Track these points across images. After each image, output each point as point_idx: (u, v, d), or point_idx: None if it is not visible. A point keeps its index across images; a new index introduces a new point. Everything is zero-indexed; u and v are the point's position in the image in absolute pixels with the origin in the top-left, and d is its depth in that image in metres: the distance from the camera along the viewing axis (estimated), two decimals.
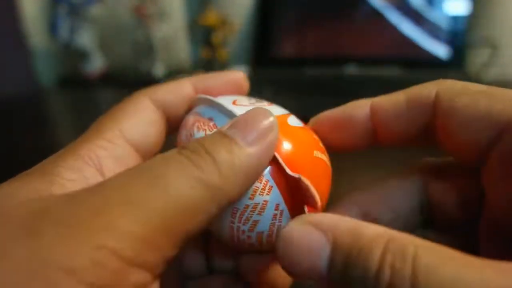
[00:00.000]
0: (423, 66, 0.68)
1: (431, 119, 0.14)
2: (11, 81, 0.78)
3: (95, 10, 0.83)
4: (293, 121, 0.16)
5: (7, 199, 0.11)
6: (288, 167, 0.14)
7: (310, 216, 0.12)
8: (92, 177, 0.13)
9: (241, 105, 0.16)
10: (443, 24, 0.68)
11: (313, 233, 0.11)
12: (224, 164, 0.11)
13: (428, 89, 0.14)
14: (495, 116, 0.13)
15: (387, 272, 0.09)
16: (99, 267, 0.09)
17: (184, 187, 0.11)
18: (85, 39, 0.83)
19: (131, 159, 0.15)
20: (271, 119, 0.13)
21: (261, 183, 0.14)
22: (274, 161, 0.14)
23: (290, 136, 0.15)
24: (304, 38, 0.76)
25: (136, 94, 0.17)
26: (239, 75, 0.18)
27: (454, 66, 0.67)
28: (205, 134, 0.15)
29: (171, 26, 0.85)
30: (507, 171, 0.12)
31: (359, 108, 0.16)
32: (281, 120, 0.15)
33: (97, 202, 0.10)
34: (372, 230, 0.10)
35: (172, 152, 0.12)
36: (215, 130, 0.15)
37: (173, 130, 0.17)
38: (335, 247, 0.11)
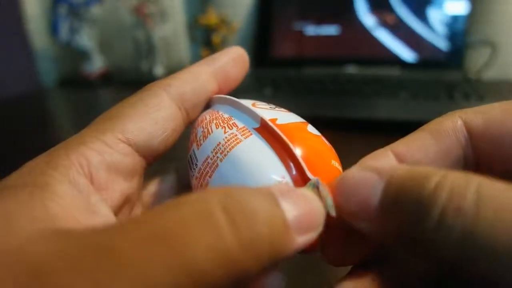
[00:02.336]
0: (423, 66, 0.68)
1: (467, 149, 0.14)
2: (14, 81, 0.78)
3: (95, 10, 0.83)
4: (312, 129, 0.16)
5: (6, 233, 0.10)
6: (309, 170, 0.14)
7: (367, 162, 0.13)
8: (84, 189, 0.12)
9: (262, 108, 0.16)
10: (443, 24, 0.68)
11: (369, 173, 0.12)
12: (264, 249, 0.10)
13: (450, 118, 0.14)
14: None
15: (444, 193, 0.10)
16: None
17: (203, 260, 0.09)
18: (85, 39, 0.83)
19: (127, 166, 0.14)
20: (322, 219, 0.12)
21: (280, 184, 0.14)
22: (294, 163, 0.14)
23: (311, 142, 0.15)
24: (304, 38, 0.76)
25: (152, 86, 0.16)
26: (240, 51, 0.18)
27: (454, 66, 0.67)
28: (225, 132, 0.15)
29: (171, 26, 0.85)
30: None
31: (378, 163, 0.14)
32: (301, 126, 0.16)
33: (105, 264, 0.08)
34: (429, 169, 0.11)
35: (209, 205, 0.10)
36: (236, 128, 0.15)
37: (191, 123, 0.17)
38: (390, 180, 0.11)
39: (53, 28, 0.81)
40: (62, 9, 0.80)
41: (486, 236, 0.09)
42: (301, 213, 0.11)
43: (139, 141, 0.15)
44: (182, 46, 0.89)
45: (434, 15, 0.68)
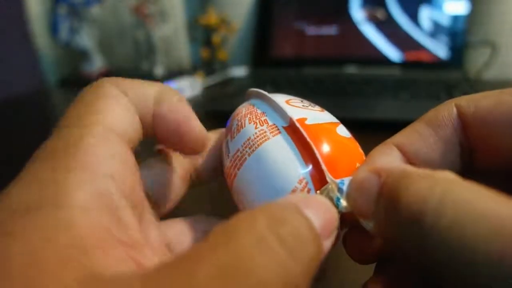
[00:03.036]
0: (423, 66, 0.68)
1: (462, 136, 0.14)
2: (18, 80, 0.78)
3: (95, 10, 0.83)
4: (342, 130, 0.16)
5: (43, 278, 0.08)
6: (330, 172, 0.14)
7: (370, 164, 0.14)
8: (105, 190, 0.11)
9: (295, 106, 0.16)
10: (443, 24, 0.68)
11: (370, 174, 0.12)
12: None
13: (446, 107, 0.14)
14: None
15: (413, 200, 0.10)
16: None
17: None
18: (85, 39, 0.83)
19: (125, 154, 0.13)
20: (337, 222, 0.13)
21: (300, 184, 0.14)
22: (316, 164, 0.14)
23: (336, 144, 0.15)
24: (304, 38, 0.76)
25: (98, 83, 0.15)
26: (196, 131, 0.16)
27: (454, 66, 0.67)
28: (256, 127, 0.16)
29: (171, 26, 0.85)
30: None
31: (386, 159, 0.15)
32: (331, 127, 0.16)
33: None
34: (413, 169, 0.11)
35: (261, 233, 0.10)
36: (266, 125, 0.16)
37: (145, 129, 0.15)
38: (384, 182, 0.12)
39: (53, 28, 0.81)
40: (62, 9, 0.80)
41: (445, 241, 0.09)
42: (323, 221, 0.11)
43: (120, 130, 0.13)
44: (182, 46, 0.89)
45: (434, 15, 0.68)
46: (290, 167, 0.15)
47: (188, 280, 0.08)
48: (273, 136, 0.15)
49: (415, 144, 0.14)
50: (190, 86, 0.66)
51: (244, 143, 0.16)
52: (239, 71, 0.81)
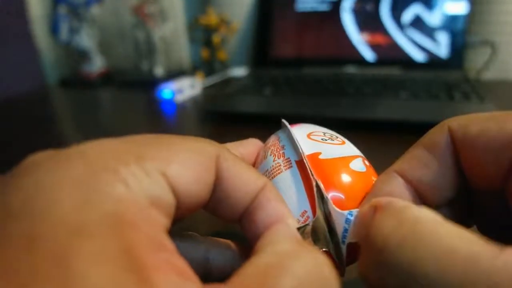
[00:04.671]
0: (423, 66, 0.68)
1: (456, 158, 0.14)
2: (18, 80, 0.78)
3: (95, 10, 0.83)
4: (356, 165, 0.17)
5: None
6: (336, 206, 0.15)
7: (374, 194, 0.15)
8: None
9: (314, 140, 0.17)
10: (443, 24, 0.68)
11: (368, 209, 0.13)
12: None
13: (441, 130, 0.15)
14: (508, 136, 0.13)
15: (378, 237, 0.11)
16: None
17: None
18: (85, 39, 0.83)
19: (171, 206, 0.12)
20: None
21: (302, 217, 0.15)
22: (324, 200, 0.15)
23: (346, 180, 0.16)
24: (304, 38, 0.76)
25: (205, 143, 0.14)
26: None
27: (454, 66, 0.67)
28: (274, 160, 0.17)
29: (171, 26, 0.85)
30: None
31: (390, 188, 0.15)
32: (344, 162, 0.16)
33: None
34: (395, 202, 0.12)
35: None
36: (282, 158, 0.17)
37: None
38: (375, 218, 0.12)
39: (53, 28, 0.81)
40: (62, 9, 0.80)
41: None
42: None
43: (179, 187, 0.12)
44: (182, 46, 0.89)
45: (434, 15, 0.68)
46: (294, 199, 0.15)
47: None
48: (286, 169, 0.17)
49: (416, 170, 0.15)
50: (190, 86, 0.66)
51: (264, 174, 0.17)
52: (239, 71, 0.81)
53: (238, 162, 0.14)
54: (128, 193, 0.10)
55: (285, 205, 0.14)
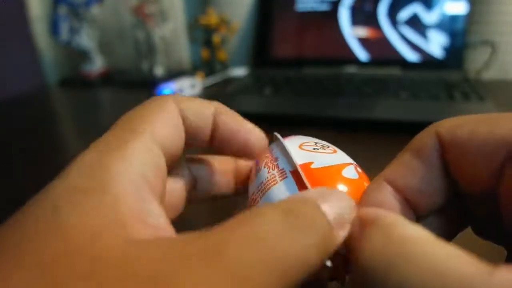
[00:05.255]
0: (423, 66, 0.68)
1: (445, 163, 0.14)
2: (19, 80, 0.78)
3: (95, 10, 0.83)
4: (349, 172, 0.17)
5: (101, 244, 0.10)
6: None
7: (363, 204, 0.15)
8: (140, 188, 0.12)
9: (305, 150, 0.18)
10: (443, 24, 0.68)
11: (354, 222, 0.13)
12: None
13: (428, 135, 0.14)
14: (498, 139, 0.12)
15: (365, 250, 0.11)
16: None
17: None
18: (85, 39, 0.83)
19: (161, 163, 0.14)
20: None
21: None
22: None
23: (337, 186, 0.16)
24: (304, 38, 0.76)
25: (162, 96, 0.16)
26: (256, 138, 0.18)
27: (454, 66, 0.67)
28: (268, 172, 0.17)
29: (171, 26, 0.85)
30: None
31: (379, 197, 0.15)
32: (336, 170, 0.17)
33: (215, 266, 0.10)
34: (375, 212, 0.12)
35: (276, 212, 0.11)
36: (277, 169, 0.17)
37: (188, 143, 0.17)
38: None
39: (53, 28, 0.81)
40: (62, 9, 0.80)
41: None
42: (338, 214, 0.13)
43: (165, 144, 0.15)
44: (182, 46, 0.89)
45: (434, 15, 0.68)
46: None
47: (222, 244, 0.10)
48: (281, 180, 0.17)
49: (404, 177, 0.14)
50: (190, 86, 0.66)
51: (258, 187, 0.18)
52: (239, 71, 0.81)
53: (190, 101, 0.17)
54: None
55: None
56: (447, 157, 0.14)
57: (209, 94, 0.67)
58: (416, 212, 0.15)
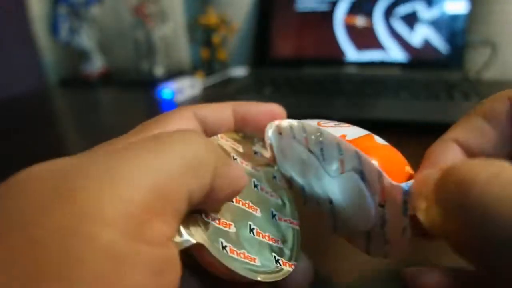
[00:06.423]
0: (423, 66, 0.68)
1: None
2: (19, 80, 0.78)
3: (95, 10, 0.83)
4: (380, 140, 0.17)
5: (33, 172, 0.11)
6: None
7: (433, 162, 0.15)
8: None
9: (328, 126, 0.17)
10: (443, 23, 0.68)
11: (431, 171, 0.13)
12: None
13: (501, 100, 0.15)
14: None
15: (466, 172, 0.11)
16: (129, 217, 0.10)
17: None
18: (85, 39, 0.83)
19: None
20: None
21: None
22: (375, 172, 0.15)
23: (384, 152, 0.16)
24: (304, 38, 0.76)
25: (180, 107, 0.18)
26: (276, 109, 0.19)
27: (454, 66, 0.67)
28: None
29: (171, 26, 0.85)
30: None
31: (449, 156, 0.15)
32: (370, 138, 0.17)
33: (117, 158, 0.11)
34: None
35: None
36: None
37: None
38: (442, 171, 0.13)
39: (53, 28, 0.81)
40: (62, 9, 0.80)
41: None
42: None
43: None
44: (182, 46, 0.89)
45: (434, 15, 0.68)
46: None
47: (121, 155, 0.11)
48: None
49: (474, 139, 0.15)
50: (190, 86, 0.66)
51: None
52: (239, 71, 0.81)
53: (206, 107, 0.18)
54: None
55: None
56: None
57: (209, 94, 0.67)
58: None
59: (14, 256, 0.09)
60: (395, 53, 0.70)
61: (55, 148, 0.47)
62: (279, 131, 0.19)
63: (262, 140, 0.20)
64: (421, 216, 0.13)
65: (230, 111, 0.19)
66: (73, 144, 0.50)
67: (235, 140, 0.19)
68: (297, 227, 0.18)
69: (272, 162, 0.20)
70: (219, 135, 0.18)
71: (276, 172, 0.20)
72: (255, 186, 0.18)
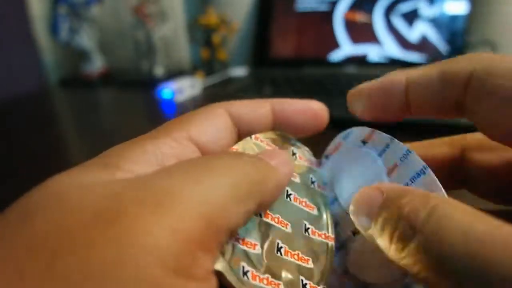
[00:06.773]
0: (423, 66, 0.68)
1: (463, 95, 0.15)
2: (19, 80, 0.78)
3: (95, 10, 0.83)
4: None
5: (71, 187, 0.11)
6: None
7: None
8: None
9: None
10: (443, 24, 0.68)
11: (373, 192, 0.14)
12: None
13: (462, 66, 0.15)
14: None
15: (407, 210, 0.12)
16: (179, 251, 0.10)
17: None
18: (85, 39, 0.83)
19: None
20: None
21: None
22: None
23: None
24: (304, 38, 0.76)
25: (212, 104, 0.17)
26: (318, 106, 0.20)
27: None
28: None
29: (171, 26, 0.85)
30: None
31: (396, 82, 0.17)
32: None
33: (166, 185, 0.11)
34: (410, 188, 0.14)
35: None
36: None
37: None
38: (385, 198, 0.14)
39: (53, 28, 0.82)
40: (62, 9, 0.80)
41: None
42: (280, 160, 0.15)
43: (203, 142, 0.15)
44: (182, 46, 0.89)
45: (434, 15, 0.68)
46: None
47: (168, 182, 0.11)
48: None
49: (421, 83, 0.17)
50: (190, 86, 0.66)
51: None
52: (239, 71, 0.81)
53: (241, 104, 0.18)
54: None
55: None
56: (468, 98, 0.14)
57: (209, 94, 0.67)
58: None
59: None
60: (391, 48, 0.70)
61: (55, 148, 0.47)
62: (365, 139, 0.18)
63: (299, 140, 0.19)
64: (366, 235, 0.14)
65: (268, 108, 0.18)
66: (73, 144, 0.50)
67: (271, 139, 0.18)
68: (332, 242, 0.16)
69: (315, 165, 0.19)
70: (253, 136, 0.17)
71: (315, 175, 0.18)
72: (288, 196, 0.16)
